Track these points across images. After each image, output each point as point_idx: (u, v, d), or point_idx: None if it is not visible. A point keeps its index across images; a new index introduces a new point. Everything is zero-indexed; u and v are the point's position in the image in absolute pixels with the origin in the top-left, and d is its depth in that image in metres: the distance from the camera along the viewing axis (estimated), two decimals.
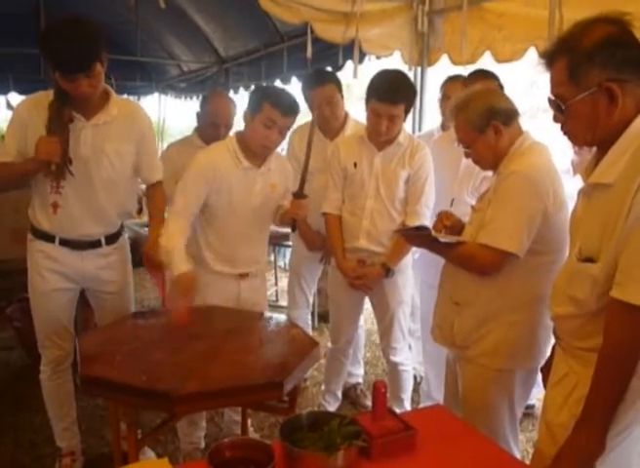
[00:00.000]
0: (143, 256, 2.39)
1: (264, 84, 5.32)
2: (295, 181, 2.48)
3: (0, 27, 6.17)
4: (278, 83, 5.13)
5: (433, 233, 1.93)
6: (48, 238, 2.31)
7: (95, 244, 2.37)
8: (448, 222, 2.08)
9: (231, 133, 2.76)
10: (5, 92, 7.23)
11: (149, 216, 2.55)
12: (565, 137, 1.48)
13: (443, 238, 1.93)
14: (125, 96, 8.22)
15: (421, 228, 2.02)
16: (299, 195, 2.37)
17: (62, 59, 2.00)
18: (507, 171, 1.86)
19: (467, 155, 2.01)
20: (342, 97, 3.00)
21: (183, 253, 2.26)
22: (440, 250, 1.99)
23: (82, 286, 2.44)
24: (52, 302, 2.36)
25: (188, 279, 2.19)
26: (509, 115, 1.91)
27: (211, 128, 2.89)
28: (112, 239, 2.42)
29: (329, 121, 2.98)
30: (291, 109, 2.27)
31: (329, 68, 4.23)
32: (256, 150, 2.34)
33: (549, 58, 1.40)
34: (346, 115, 3.08)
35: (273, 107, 2.22)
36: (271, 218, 2.54)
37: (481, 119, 1.88)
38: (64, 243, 2.31)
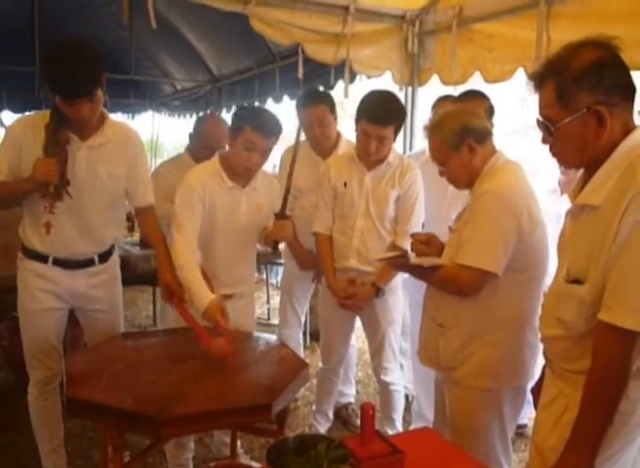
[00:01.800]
0: (164, 290, 2.35)
1: (257, 103, 5.37)
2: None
3: None
4: (270, 102, 5.17)
5: (413, 259, 1.93)
6: (40, 258, 2.29)
7: (88, 263, 2.36)
8: (423, 239, 2.09)
9: None
10: None
11: (154, 247, 2.45)
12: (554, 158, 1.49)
13: (424, 263, 1.93)
14: (119, 113, 8.27)
15: (402, 256, 2.03)
16: (281, 216, 2.35)
17: (64, 85, 2.01)
18: (481, 190, 1.88)
19: (442, 173, 2.02)
20: (336, 117, 3.00)
21: (204, 283, 2.19)
22: (422, 274, 2.00)
23: (72, 305, 2.42)
24: (41, 322, 2.34)
25: (216, 307, 2.10)
26: (483, 134, 1.93)
27: (205, 150, 2.88)
28: (104, 257, 2.42)
29: (320, 141, 2.99)
30: (272, 132, 2.26)
31: (321, 88, 4.28)
32: (238, 171, 2.33)
33: (538, 79, 1.41)
34: (339, 135, 3.08)
35: (254, 130, 2.22)
36: (257, 238, 2.50)
37: (455, 137, 1.91)
38: (57, 262, 2.30)
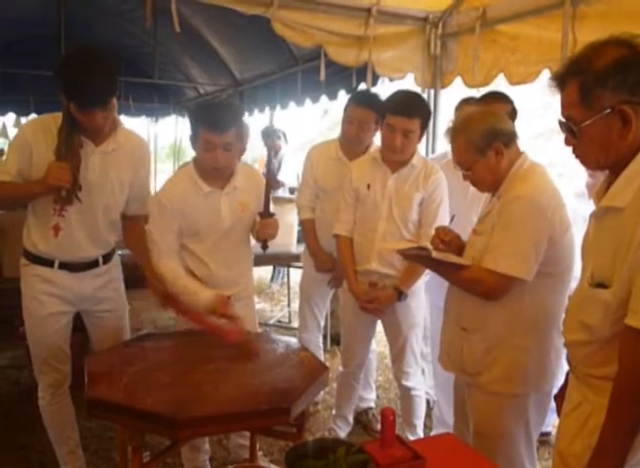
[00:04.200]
0: (161, 300, 2.35)
1: (279, 107, 5.38)
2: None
3: (21, 49, 6.33)
4: (292, 105, 5.18)
5: (434, 254, 1.89)
6: (46, 262, 2.30)
7: (92, 264, 2.37)
8: (446, 238, 2.05)
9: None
10: (26, 113, 7.36)
11: (140, 261, 2.42)
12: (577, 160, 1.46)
13: (444, 258, 1.90)
14: (143, 117, 8.37)
15: (421, 248, 1.98)
16: (264, 214, 2.31)
17: (81, 95, 2.02)
18: (512, 194, 1.84)
19: (466, 177, 1.98)
20: (378, 127, 2.88)
21: (196, 283, 2.26)
22: (442, 271, 1.97)
23: (78, 308, 2.43)
24: (49, 326, 2.34)
25: (220, 299, 2.16)
26: (510, 137, 1.90)
27: None
28: (107, 258, 2.44)
29: (352, 142, 2.94)
30: (225, 126, 2.19)
31: (342, 91, 4.27)
32: (209, 173, 2.30)
33: (560, 80, 1.39)
34: (370, 144, 3.02)
35: (207, 129, 2.18)
36: (247, 237, 2.47)
37: (482, 140, 1.86)
38: (64, 266, 2.31)
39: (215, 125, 2.18)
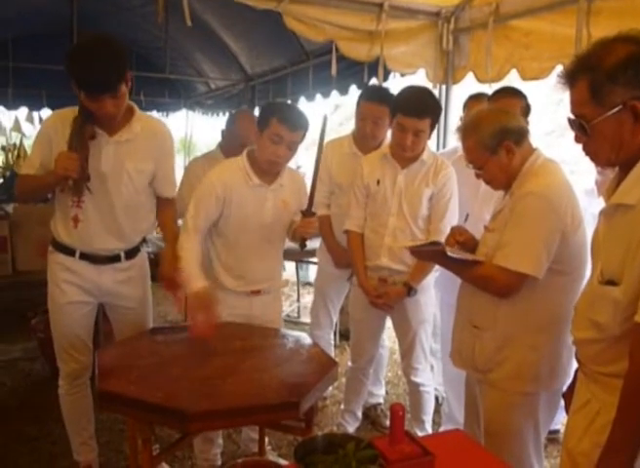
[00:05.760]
0: (160, 275, 2.41)
1: (289, 101, 5.37)
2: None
3: (34, 44, 6.37)
4: (303, 100, 5.17)
5: (447, 250, 1.88)
6: (68, 251, 2.33)
7: (114, 258, 2.38)
8: (460, 238, 2.04)
9: None
10: (38, 108, 7.41)
11: (163, 236, 2.54)
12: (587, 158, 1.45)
13: (456, 254, 1.89)
14: (154, 112, 8.37)
15: (434, 244, 1.98)
16: (307, 213, 2.33)
17: (88, 81, 2.02)
18: (524, 191, 1.83)
19: (478, 176, 1.97)
20: (391, 122, 2.88)
21: (198, 270, 2.28)
22: (454, 267, 1.96)
23: (100, 300, 2.44)
24: (69, 315, 2.36)
25: (203, 295, 2.20)
26: (521, 134, 1.88)
27: (239, 148, 2.88)
28: (132, 254, 2.43)
29: (366, 138, 2.93)
30: (298, 124, 2.27)
31: (353, 86, 4.25)
32: (263, 166, 2.34)
33: (570, 77, 1.38)
34: (384, 139, 3.00)
35: (280, 122, 2.24)
36: (284, 234, 2.51)
37: (493, 139, 1.85)
38: (84, 256, 2.33)
39: (289, 120, 2.25)
